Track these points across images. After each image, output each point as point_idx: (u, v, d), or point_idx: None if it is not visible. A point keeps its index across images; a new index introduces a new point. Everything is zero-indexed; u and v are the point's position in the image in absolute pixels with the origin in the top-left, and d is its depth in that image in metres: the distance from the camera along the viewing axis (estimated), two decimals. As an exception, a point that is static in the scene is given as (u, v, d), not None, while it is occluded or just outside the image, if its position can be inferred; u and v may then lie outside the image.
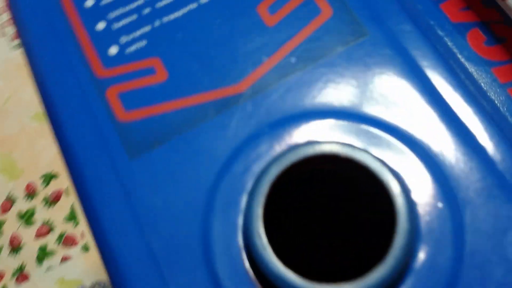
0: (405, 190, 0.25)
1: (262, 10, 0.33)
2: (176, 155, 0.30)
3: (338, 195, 0.31)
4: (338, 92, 0.30)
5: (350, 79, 0.30)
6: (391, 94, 0.29)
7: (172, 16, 0.33)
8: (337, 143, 0.26)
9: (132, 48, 0.33)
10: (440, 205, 0.26)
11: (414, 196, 0.26)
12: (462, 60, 0.33)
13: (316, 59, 0.31)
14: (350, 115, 0.29)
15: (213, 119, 0.30)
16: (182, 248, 0.28)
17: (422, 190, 0.27)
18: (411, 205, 0.25)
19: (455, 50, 0.33)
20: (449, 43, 0.33)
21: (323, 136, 0.29)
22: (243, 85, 0.31)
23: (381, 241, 0.27)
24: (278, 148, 0.29)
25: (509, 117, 0.31)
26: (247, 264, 0.27)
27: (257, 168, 0.28)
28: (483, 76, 0.32)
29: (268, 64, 0.31)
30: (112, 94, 0.32)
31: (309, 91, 0.30)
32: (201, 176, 0.29)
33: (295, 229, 0.34)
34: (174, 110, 0.31)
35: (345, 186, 0.29)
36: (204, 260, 0.27)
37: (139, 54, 0.32)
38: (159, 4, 0.34)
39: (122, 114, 0.31)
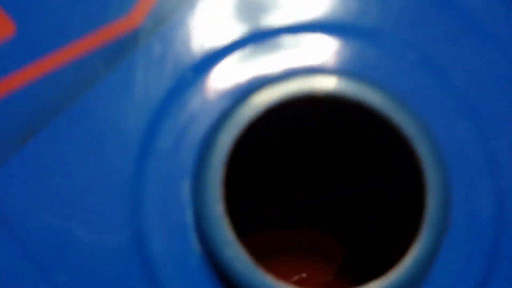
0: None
1: None
2: (63, 145, 0.19)
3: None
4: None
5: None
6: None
7: None
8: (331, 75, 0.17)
9: None
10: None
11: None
12: None
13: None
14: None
15: (107, 76, 0.20)
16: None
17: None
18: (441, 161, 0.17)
19: None
20: None
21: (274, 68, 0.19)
22: (136, 16, 0.21)
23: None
24: (217, 99, 0.19)
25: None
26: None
27: (194, 136, 0.19)
28: None
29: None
30: None
31: (234, 9, 0.20)
32: (110, 172, 0.19)
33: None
34: (41, 77, 0.20)
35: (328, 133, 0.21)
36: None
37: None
38: None
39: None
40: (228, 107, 0.19)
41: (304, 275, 0.26)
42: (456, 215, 0.18)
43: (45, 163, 0.19)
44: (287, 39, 0.20)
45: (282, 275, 0.22)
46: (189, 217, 0.18)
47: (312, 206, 0.27)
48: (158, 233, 0.18)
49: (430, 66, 0.20)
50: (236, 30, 0.20)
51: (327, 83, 0.17)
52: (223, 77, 0.19)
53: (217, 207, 0.16)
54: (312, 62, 0.19)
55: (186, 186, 0.18)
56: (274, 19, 0.20)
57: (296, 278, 0.26)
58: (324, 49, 0.19)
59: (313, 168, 0.26)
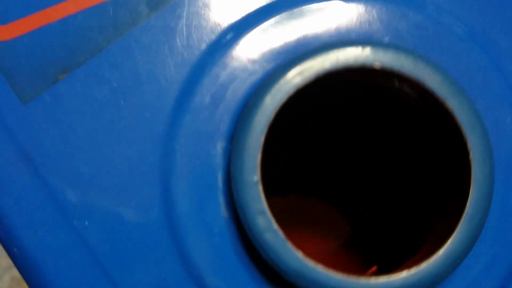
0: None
1: None
2: (97, 88, 0.18)
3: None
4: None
5: None
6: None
7: None
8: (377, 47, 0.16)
9: None
10: None
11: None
12: None
13: None
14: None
15: (149, 19, 0.19)
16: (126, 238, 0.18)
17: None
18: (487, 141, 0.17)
19: None
20: None
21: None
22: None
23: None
24: (259, 60, 0.18)
25: None
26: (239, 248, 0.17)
27: (234, 95, 0.18)
28: None
29: None
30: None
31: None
32: (143, 122, 0.18)
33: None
34: (79, 10, 0.19)
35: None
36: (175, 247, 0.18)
37: None
38: None
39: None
40: (273, 70, 0.18)
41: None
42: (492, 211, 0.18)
43: (76, 104, 0.18)
44: (328, 4, 0.18)
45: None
46: (220, 180, 0.18)
47: (337, 183, 0.26)
48: (186, 193, 0.18)
49: (479, 43, 0.19)
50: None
51: (383, 57, 0.16)
52: (264, 39, 0.18)
53: (253, 175, 0.16)
54: (354, 30, 0.18)
55: (219, 148, 0.18)
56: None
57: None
58: (366, 15, 0.18)
59: (347, 145, 0.25)
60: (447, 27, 0.18)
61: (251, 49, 0.18)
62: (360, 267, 0.26)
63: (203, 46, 0.19)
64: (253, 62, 0.18)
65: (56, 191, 0.18)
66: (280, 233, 0.16)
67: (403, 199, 0.24)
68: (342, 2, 0.19)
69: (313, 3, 0.19)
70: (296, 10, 0.18)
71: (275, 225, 0.16)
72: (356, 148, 0.25)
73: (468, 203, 0.16)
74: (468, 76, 0.19)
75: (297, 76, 0.16)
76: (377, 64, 0.16)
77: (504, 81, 0.19)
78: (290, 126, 0.24)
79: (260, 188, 0.16)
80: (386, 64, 0.16)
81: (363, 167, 0.26)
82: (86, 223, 0.18)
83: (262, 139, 0.16)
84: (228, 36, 0.19)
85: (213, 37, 0.19)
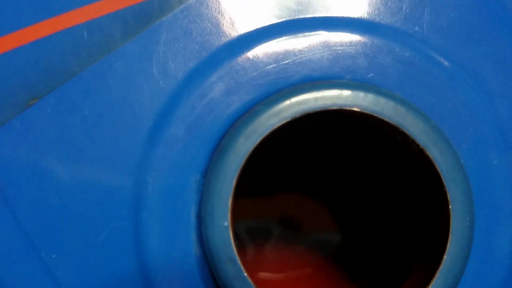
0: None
1: None
2: (69, 115, 0.18)
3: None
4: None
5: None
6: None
7: None
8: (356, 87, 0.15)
9: None
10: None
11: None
12: None
13: None
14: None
15: (125, 45, 0.18)
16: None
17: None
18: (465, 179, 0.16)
19: None
20: None
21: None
22: (165, -22, 0.19)
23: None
24: (239, 92, 0.18)
25: None
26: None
27: (210, 128, 0.18)
28: None
29: None
30: None
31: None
32: (115, 152, 0.18)
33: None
34: (53, 33, 0.18)
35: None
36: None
37: None
38: None
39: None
40: (251, 102, 0.17)
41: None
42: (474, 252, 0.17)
43: (47, 131, 0.18)
44: (312, 36, 0.18)
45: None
46: (193, 216, 0.17)
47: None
48: (158, 228, 0.17)
49: (467, 81, 0.18)
50: (265, 17, 0.18)
51: (362, 101, 0.15)
52: (243, 70, 0.18)
53: (224, 221, 0.15)
54: (337, 65, 0.17)
55: (193, 182, 0.17)
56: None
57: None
58: (351, 48, 0.18)
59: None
60: (435, 63, 0.17)
61: (229, 79, 0.18)
62: (343, 283, 0.26)
63: (180, 74, 0.18)
64: (231, 93, 0.18)
65: (23, 221, 0.17)
66: (249, 280, 0.15)
67: (391, 222, 0.24)
68: (326, 33, 0.18)
69: (296, 33, 0.18)
70: (277, 40, 0.18)
71: (244, 273, 0.15)
72: (349, 173, 0.25)
73: (445, 255, 0.15)
74: (455, 115, 0.18)
75: (273, 117, 0.16)
76: (355, 109, 0.15)
77: (492, 121, 0.18)
78: (281, 146, 0.23)
79: (230, 233, 0.15)
80: (365, 109, 0.15)
81: (355, 188, 0.25)
82: (54, 256, 0.17)
83: (233, 183, 0.15)
84: (212, 62, 0.18)
85: (191, 65, 0.18)
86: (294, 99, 0.16)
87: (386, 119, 0.16)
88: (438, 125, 0.17)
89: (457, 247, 0.15)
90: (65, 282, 0.17)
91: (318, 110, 0.16)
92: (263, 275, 0.25)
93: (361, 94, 0.16)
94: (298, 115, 0.16)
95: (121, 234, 0.17)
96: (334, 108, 0.16)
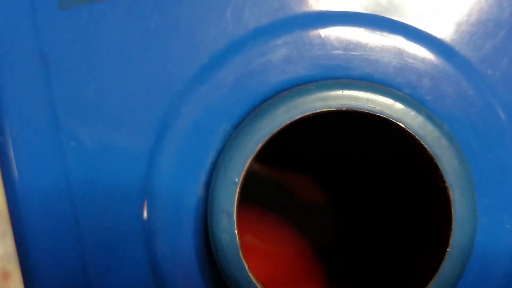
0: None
1: None
2: (136, 23, 0.18)
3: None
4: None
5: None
6: None
7: None
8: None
9: None
10: None
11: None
12: None
13: None
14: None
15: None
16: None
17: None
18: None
19: None
20: None
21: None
22: None
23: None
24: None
25: None
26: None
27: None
28: None
29: None
30: None
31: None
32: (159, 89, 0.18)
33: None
34: None
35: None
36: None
37: None
38: None
39: None
40: (301, 83, 0.17)
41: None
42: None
43: (108, 29, 0.18)
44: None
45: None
46: (209, 161, 0.17)
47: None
48: (174, 158, 0.18)
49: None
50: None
51: (411, 120, 0.15)
52: (316, 45, 0.18)
53: (236, 177, 0.15)
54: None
55: (223, 129, 0.18)
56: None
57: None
58: (424, 68, 0.17)
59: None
60: (492, 112, 0.17)
61: (293, 49, 0.18)
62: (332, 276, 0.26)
63: (251, 25, 0.18)
64: (290, 62, 0.18)
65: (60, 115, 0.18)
66: (236, 236, 0.16)
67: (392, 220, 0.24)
68: (404, 41, 0.18)
69: (374, 29, 0.18)
70: (354, 30, 0.18)
71: (235, 229, 0.16)
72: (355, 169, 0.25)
73: (441, 266, 0.15)
74: (497, 170, 0.18)
75: (320, 101, 0.16)
76: (400, 124, 0.15)
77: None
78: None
79: (237, 190, 0.16)
80: (410, 128, 0.15)
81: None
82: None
83: (258, 147, 0.16)
84: (278, 26, 0.18)
85: (264, 21, 0.18)
86: (346, 92, 0.16)
87: (426, 146, 0.15)
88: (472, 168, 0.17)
89: (454, 261, 0.15)
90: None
91: (365, 111, 0.16)
92: (248, 238, 0.25)
93: (412, 113, 0.16)
94: (343, 108, 0.16)
95: (137, 156, 0.18)
96: (381, 115, 0.16)
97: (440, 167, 0.15)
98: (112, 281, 0.18)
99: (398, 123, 0.16)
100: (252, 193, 0.25)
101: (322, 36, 0.18)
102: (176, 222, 0.18)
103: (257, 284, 0.15)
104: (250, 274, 0.15)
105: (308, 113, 0.16)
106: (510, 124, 0.17)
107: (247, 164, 0.16)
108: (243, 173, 0.16)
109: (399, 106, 0.15)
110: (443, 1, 0.18)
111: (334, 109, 0.16)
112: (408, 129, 0.15)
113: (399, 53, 0.17)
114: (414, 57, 0.17)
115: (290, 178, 0.27)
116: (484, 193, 0.17)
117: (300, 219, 0.28)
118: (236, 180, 0.16)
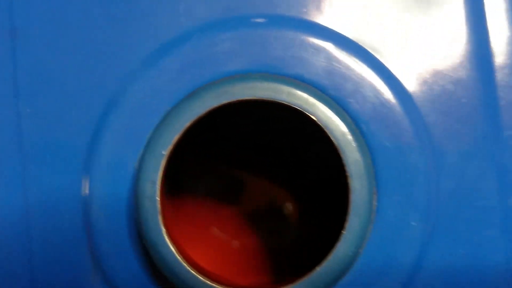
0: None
1: None
2: None
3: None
4: None
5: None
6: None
7: None
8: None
9: None
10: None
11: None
12: None
13: None
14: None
15: None
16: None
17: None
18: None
19: None
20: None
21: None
22: None
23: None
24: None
25: None
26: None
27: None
28: None
29: None
30: None
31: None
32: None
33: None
34: None
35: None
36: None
37: None
38: None
39: None
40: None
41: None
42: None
43: None
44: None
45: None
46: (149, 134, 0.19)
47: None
48: (103, 201, 0.20)
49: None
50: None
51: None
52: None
53: (163, 149, 0.17)
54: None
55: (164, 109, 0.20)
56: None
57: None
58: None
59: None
60: (407, 118, 0.19)
61: (237, 44, 0.20)
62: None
63: (200, 22, 0.20)
64: (233, 54, 0.20)
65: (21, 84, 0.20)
66: (157, 203, 0.17)
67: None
68: (333, 47, 0.19)
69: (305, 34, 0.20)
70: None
71: (157, 196, 0.17)
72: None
73: (335, 247, 0.17)
74: (408, 173, 0.19)
75: (247, 91, 0.18)
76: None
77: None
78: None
79: (164, 161, 0.17)
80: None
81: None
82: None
83: (187, 124, 0.17)
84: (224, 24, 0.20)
85: (214, 16, 0.20)
86: (270, 85, 0.18)
87: (332, 139, 0.17)
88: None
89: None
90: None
91: (285, 103, 0.18)
92: (214, 230, 0.27)
93: (323, 108, 0.17)
94: (265, 98, 0.18)
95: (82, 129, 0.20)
96: (298, 108, 0.18)
97: (343, 158, 0.17)
98: (52, 253, 0.20)
99: (311, 116, 0.17)
100: (222, 191, 0.27)
101: (263, 36, 0.20)
102: (112, 195, 0.20)
103: (171, 247, 0.17)
104: (166, 238, 0.17)
105: (233, 100, 0.18)
106: (417, 130, 0.19)
107: (174, 140, 0.17)
108: (170, 147, 0.17)
109: (312, 100, 0.17)
110: (371, 13, 0.20)
111: (258, 98, 0.18)
112: (319, 122, 0.17)
113: (328, 57, 0.19)
114: (340, 62, 0.19)
115: (252, 178, 0.29)
116: (394, 191, 0.19)
117: (266, 218, 0.29)
118: (163, 153, 0.18)
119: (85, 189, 0.20)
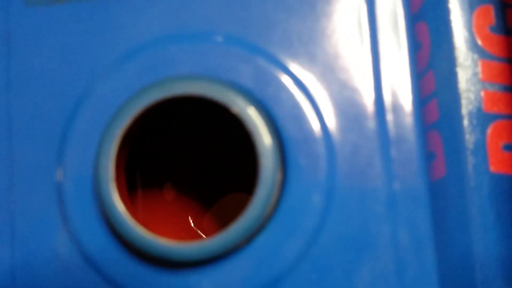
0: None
1: None
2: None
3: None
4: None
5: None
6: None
7: None
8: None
9: None
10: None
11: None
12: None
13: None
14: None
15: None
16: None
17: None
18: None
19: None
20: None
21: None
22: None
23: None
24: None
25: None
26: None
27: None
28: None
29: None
30: None
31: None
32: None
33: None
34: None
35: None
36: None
37: None
38: None
39: None
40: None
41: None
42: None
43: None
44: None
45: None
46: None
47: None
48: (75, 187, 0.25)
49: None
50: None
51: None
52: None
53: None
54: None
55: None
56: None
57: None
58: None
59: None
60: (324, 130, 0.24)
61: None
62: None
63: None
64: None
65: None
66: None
67: None
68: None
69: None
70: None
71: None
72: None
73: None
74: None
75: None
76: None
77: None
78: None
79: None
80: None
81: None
82: None
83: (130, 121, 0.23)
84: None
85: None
86: (196, 82, 0.23)
87: (246, 125, 0.22)
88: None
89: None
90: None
91: (208, 97, 0.23)
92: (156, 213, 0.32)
93: (241, 102, 0.23)
94: (193, 94, 0.23)
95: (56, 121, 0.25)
96: (220, 101, 0.23)
97: (255, 140, 0.22)
98: (28, 241, 0.25)
99: (234, 108, 0.23)
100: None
101: (206, 49, 0.25)
102: (84, 181, 0.25)
103: (118, 207, 0.22)
104: (114, 194, 0.22)
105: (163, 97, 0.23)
106: (322, 126, 0.24)
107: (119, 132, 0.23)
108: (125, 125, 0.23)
109: (231, 94, 0.23)
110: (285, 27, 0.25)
111: (186, 94, 0.23)
112: (239, 115, 0.22)
113: (256, 67, 0.25)
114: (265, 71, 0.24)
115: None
116: (301, 172, 0.24)
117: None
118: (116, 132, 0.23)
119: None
